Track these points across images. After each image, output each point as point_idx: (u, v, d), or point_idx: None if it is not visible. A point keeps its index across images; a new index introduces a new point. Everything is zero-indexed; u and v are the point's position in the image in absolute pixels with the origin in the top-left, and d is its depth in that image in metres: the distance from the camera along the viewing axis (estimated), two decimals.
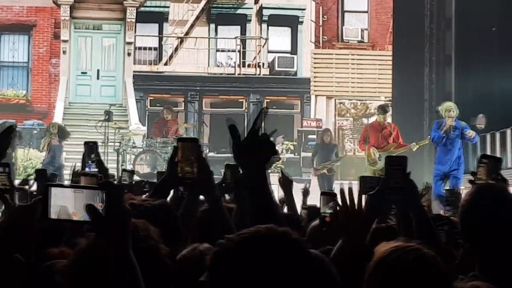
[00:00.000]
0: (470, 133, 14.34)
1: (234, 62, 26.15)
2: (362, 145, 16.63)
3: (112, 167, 17.99)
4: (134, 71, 24.68)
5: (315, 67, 25.82)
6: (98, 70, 24.83)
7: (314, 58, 26.01)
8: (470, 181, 4.58)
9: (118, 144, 19.34)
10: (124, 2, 24.56)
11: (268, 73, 26.11)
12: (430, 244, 2.91)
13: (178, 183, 3.69)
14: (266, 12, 26.54)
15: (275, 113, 25.23)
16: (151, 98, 25.41)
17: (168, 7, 26.10)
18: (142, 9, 24.83)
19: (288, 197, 5.97)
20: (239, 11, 26.59)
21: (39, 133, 21.79)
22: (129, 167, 18.46)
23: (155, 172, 13.34)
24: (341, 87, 25.74)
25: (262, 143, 2.92)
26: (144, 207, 3.47)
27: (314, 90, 25.67)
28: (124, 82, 24.32)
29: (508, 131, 16.15)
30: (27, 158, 20.16)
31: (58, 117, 22.72)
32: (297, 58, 26.28)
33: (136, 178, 7.33)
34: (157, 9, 26.11)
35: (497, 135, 16.53)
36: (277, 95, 25.83)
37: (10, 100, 24.99)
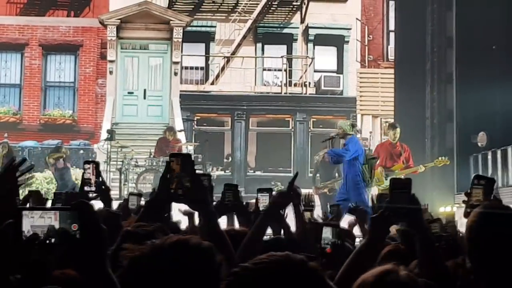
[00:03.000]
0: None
1: (281, 81, 26.08)
2: None
3: (114, 186, 18.19)
4: (180, 91, 24.70)
5: (360, 86, 25.64)
6: (144, 90, 24.85)
7: (360, 78, 25.83)
8: (465, 202, 4.42)
9: (120, 163, 19.45)
10: (171, 22, 24.63)
11: (314, 92, 26.01)
12: (432, 266, 3.11)
13: (170, 199, 3.56)
14: (312, 32, 26.47)
15: (321, 132, 25.05)
16: (198, 117, 25.37)
17: (215, 26, 26.12)
18: (189, 28, 24.88)
19: (296, 211, 5.87)
20: (285, 30, 26.55)
21: (86, 154, 21.88)
22: (131, 185, 18.53)
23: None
24: (387, 106, 25.50)
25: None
26: (139, 234, 3.44)
27: (360, 109, 25.46)
28: (171, 101, 24.33)
29: (509, 148, 16.02)
30: (75, 179, 20.18)
31: (104, 138, 22.80)
32: (343, 77, 26.14)
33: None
34: (203, 29, 26.15)
35: (498, 152, 16.40)
36: (323, 114, 25.66)
37: (57, 120, 25.10)
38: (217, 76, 25.96)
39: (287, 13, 26.63)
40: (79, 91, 25.60)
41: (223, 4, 26.26)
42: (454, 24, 17.49)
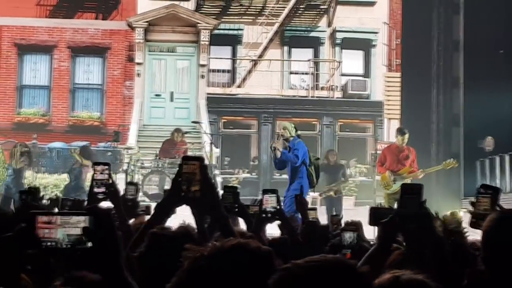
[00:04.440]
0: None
1: (307, 85, 26.05)
2: (379, 167, 16.55)
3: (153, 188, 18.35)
4: (207, 94, 24.77)
5: (387, 90, 25.54)
6: (172, 92, 24.96)
7: (387, 81, 25.73)
8: (471, 212, 4.40)
9: (126, 164, 19.50)
10: (198, 24, 24.72)
11: (341, 96, 25.94)
12: (442, 270, 3.12)
13: (181, 202, 3.59)
14: (339, 35, 26.39)
15: (348, 136, 25.06)
16: (224, 120, 25.40)
17: (242, 29, 26.13)
18: (216, 31, 24.95)
19: (304, 217, 5.90)
20: (312, 34, 26.50)
21: (113, 155, 21.98)
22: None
23: (163, 192, 13.35)
24: None
25: None
26: (167, 236, 3.46)
27: (387, 113, 25.37)
28: (198, 104, 24.40)
29: None
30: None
31: (132, 139, 22.96)
32: (370, 81, 26.04)
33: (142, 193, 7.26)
34: (230, 32, 26.16)
35: (506, 157, 16.29)
36: (350, 118, 25.62)
37: (85, 122, 25.23)
38: (244, 79, 25.98)
39: (314, 17, 26.59)
40: (107, 93, 25.70)
41: (250, 7, 26.27)
42: (462, 28, 17.42)
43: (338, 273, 2.14)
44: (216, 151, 22.64)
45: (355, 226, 5.10)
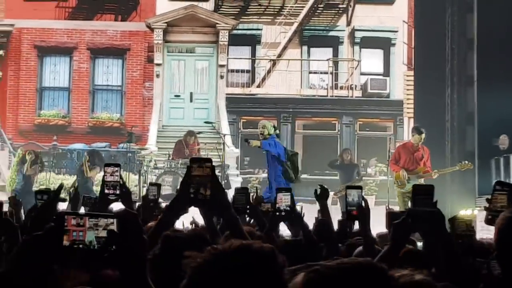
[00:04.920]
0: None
1: (327, 84, 26.01)
2: (393, 165, 16.53)
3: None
4: (227, 94, 24.80)
5: (407, 89, 25.43)
6: (191, 93, 25.00)
7: (407, 80, 25.61)
8: (486, 208, 4.35)
9: (139, 165, 19.59)
10: (217, 25, 24.74)
11: (360, 95, 25.88)
12: (454, 270, 3.13)
13: (190, 203, 3.58)
14: (358, 34, 26.33)
15: (368, 136, 25.00)
16: (244, 120, 25.41)
17: (261, 29, 26.13)
18: (235, 32, 24.97)
19: (323, 210, 5.88)
20: (331, 33, 26.45)
21: (133, 156, 22.03)
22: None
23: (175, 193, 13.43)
24: None
25: None
26: (181, 238, 3.51)
27: (407, 112, 25.25)
28: (217, 104, 24.42)
29: None
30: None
31: (152, 140, 23.01)
32: (390, 80, 25.95)
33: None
34: (249, 32, 26.17)
35: None
36: (370, 117, 25.55)
37: (105, 123, 25.30)
38: (263, 79, 25.97)
39: (333, 16, 26.54)
40: (126, 95, 25.77)
41: (269, 7, 26.26)
42: (475, 26, 17.33)
43: (368, 276, 2.13)
44: (236, 151, 22.71)
45: (359, 187, 5.14)
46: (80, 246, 2.33)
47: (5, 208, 5.69)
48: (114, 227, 2.33)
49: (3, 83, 25.39)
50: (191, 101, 24.98)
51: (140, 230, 2.35)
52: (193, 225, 7.28)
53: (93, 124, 25.26)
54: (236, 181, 21.68)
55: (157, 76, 24.97)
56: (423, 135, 16.00)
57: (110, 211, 4.80)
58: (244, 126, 25.41)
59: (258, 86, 25.97)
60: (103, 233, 2.34)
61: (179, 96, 25.05)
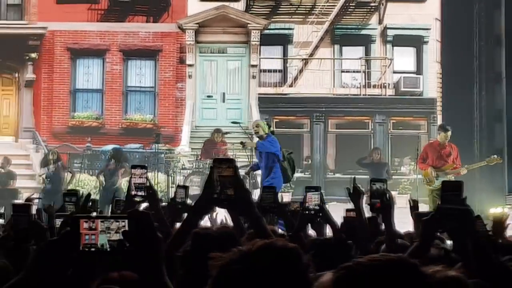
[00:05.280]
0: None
1: (359, 83, 25.90)
2: (421, 164, 16.47)
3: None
4: (259, 94, 24.80)
5: (440, 87, 25.27)
6: (223, 93, 25.02)
7: (440, 78, 25.46)
8: None
9: (167, 165, 19.62)
10: (248, 25, 24.76)
11: (393, 93, 25.74)
12: (485, 270, 3.12)
13: (214, 204, 3.60)
14: (390, 32, 26.19)
15: (401, 134, 24.86)
16: (277, 120, 25.37)
17: (292, 29, 26.09)
18: (266, 31, 24.96)
19: (357, 210, 5.82)
20: (363, 31, 26.33)
21: (166, 157, 22.10)
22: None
23: None
24: None
25: None
26: (210, 235, 3.52)
27: (440, 110, 25.10)
28: (249, 104, 24.42)
29: None
30: (155, 182, 20.47)
31: (184, 141, 23.06)
32: (423, 78, 25.77)
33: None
34: (281, 31, 26.13)
35: None
36: (403, 116, 25.39)
37: (138, 125, 25.40)
38: (295, 79, 25.93)
39: (364, 14, 26.43)
40: (159, 96, 25.84)
41: (300, 7, 26.21)
42: (503, 22, 17.17)
43: (401, 272, 2.11)
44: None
45: (384, 180, 5.11)
46: (93, 249, 2.34)
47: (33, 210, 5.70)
48: (125, 229, 2.34)
49: (36, 86, 25.59)
50: (223, 101, 25.01)
51: (153, 229, 2.35)
52: (221, 222, 7.27)
53: (126, 125, 25.36)
54: (256, 181, 21.65)
55: (189, 77, 25.03)
56: (449, 133, 15.95)
57: None
58: (277, 126, 25.32)
59: (290, 86, 25.92)
60: (115, 236, 2.35)
61: (211, 96, 25.10)
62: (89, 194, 4.90)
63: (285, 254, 2.35)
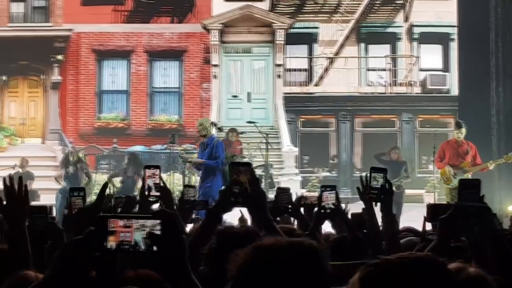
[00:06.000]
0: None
1: (385, 81, 25.78)
2: (438, 163, 16.41)
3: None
4: (284, 93, 24.76)
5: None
6: (248, 93, 25.00)
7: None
8: None
9: (183, 165, 19.69)
10: (273, 24, 24.72)
11: (420, 91, 25.59)
12: (505, 267, 3.12)
13: (231, 207, 3.67)
14: (416, 30, 26.05)
15: (429, 132, 24.68)
16: (303, 119, 25.32)
17: (317, 27, 26.02)
18: (291, 30, 24.91)
19: (368, 209, 5.79)
20: (389, 29, 26.21)
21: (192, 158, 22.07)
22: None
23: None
24: None
25: None
26: (235, 233, 3.58)
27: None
28: (275, 104, 24.38)
29: None
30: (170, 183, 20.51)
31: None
32: (450, 75, 25.59)
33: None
34: (306, 30, 26.06)
35: None
36: (430, 114, 25.22)
37: (163, 125, 25.44)
38: (321, 77, 25.85)
39: (390, 12, 26.31)
40: (184, 96, 25.87)
41: (325, 5, 26.13)
42: None
43: (429, 270, 2.11)
44: (295, 150, 22.64)
45: (384, 169, 5.06)
46: (126, 247, 2.35)
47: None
48: (159, 227, 2.35)
49: (63, 88, 25.72)
50: (248, 101, 24.99)
51: (179, 231, 2.37)
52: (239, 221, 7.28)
53: (152, 126, 25.42)
54: (295, 180, 21.64)
55: (215, 77, 25.04)
56: (463, 129, 15.86)
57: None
58: (303, 125, 25.32)
59: (316, 85, 25.85)
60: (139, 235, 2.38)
61: (236, 96, 25.09)
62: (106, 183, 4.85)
63: (302, 251, 2.36)
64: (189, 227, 6.18)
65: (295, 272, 2.30)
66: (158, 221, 2.33)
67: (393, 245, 4.54)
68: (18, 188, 3.45)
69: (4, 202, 3.47)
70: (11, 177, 3.51)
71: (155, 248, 2.32)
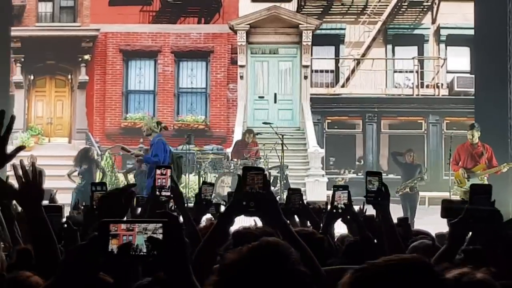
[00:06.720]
0: None
1: (412, 83, 25.68)
2: (453, 166, 16.34)
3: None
4: (311, 94, 24.73)
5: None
6: (275, 94, 24.99)
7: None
8: None
9: (199, 166, 19.75)
10: (300, 25, 24.69)
11: (447, 93, 25.47)
12: None
13: (242, 211, 3.63)
14: (443, 32, 25.94)
15: (455, 134, 24.57)
16: (329, 120, 25.28)
17: (344, 29, 25.97)
18: (318, 32, 24.88)
19: (383, 212, 5.78)
20: (416, 31, 26.12)
21: (218, 158, 22.11)
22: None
23: None
24: None
25: None
26: (251, 234, 3.66)
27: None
28: (301, 105, 24.35)
29: None
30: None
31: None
32: None
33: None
34: (333, 32, 26.03)
35: None
36: (457, 116, 25.07)
37: (190, 126, 25.48)
38: (348, 79, 25.80)
39: (417, 14, 26.22)
40: (210, 97, 25.91)
41: (352, 6, 26.09)
42: None
43: (416, 272, 2.14)
44: (321, 151, 22.59)
45: (379, 173, 5.11)
46: (131, 252, 2.36)
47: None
48: (161, 231, 2.36)
49: (89, 87, 25.84)
50: (275, 102, 24.98)
51: (181, 234, 2.38)
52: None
53: (179, 126, 25.47)
54: (321, 182, 21.59)
55: (241, 77, 25.05)
56: (475, 131, 15.84)
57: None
58: (329, 127, 25.27)
59: (343, 86, 25.81)
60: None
61: (263, 97, 25.09)
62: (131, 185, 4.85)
63: (274, 252, 2.40)
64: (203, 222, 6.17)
65: (266, 274, 2.34)
66: (160, 225, 2.34)
67: (394, 247, 4.51)
68: (32, 171, 3.43)
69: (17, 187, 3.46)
70: (22, 162, 3.49)
71: (155, 252, 2.33)
